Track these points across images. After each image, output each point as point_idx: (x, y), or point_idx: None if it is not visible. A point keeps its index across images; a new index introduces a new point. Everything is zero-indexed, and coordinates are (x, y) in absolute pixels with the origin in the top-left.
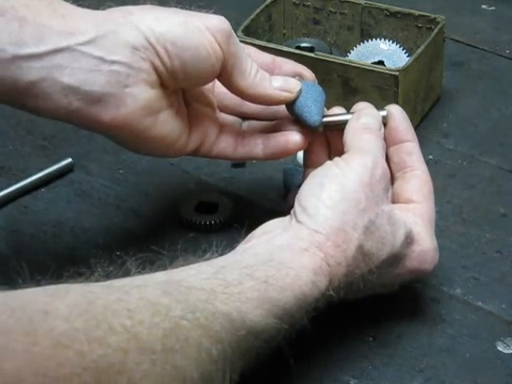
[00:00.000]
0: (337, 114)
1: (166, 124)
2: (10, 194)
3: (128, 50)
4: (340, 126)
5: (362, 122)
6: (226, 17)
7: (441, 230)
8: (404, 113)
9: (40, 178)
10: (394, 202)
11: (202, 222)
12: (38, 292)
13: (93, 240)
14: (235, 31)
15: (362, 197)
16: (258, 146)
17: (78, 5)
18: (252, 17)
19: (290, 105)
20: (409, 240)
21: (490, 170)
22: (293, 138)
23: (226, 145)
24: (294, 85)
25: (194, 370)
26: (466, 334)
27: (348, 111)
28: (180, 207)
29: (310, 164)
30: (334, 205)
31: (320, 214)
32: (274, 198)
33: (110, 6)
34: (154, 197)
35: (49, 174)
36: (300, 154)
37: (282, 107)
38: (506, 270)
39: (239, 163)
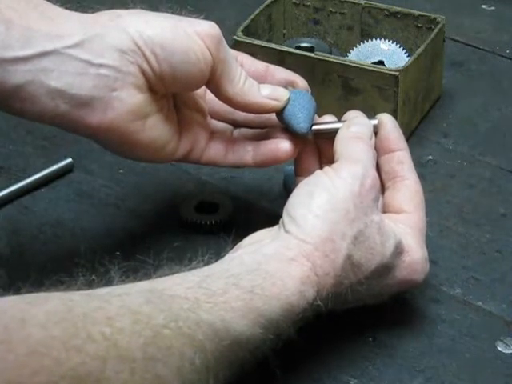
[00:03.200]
0: (328, 122)
1: (155, 129)
2: (10, 193)
3: (116, 54)
4: (331, 135)
5: (353, 130)
6: (225, 17)
7: (441, 230)
8: (395, 122)
9: (40, 178)
10: (384, 211)
11: (202, 222)
12: (16, 300)
13: (92, 240)
14: (235, 31)
15: (351, 207)
16: (248, 154)
17: (66, 8)
18: (252, 17)
19: (279, 113)
20: (399, 250)
21: (490, 170)
22: (282, 145)
23: (216, 151)
24: (283, 93)
25: (176, 380)
26: (465, 334)
27: (346, 112)
28: (180, 207)
29: (300, 172)
30: (322, 214)
31: (308, 223)
32: (274, 198)
33: (98, 10)
34: (154, 197)
35: (49, 173)
36: None
37: (273, 115)
38: (506, 270)
39: None
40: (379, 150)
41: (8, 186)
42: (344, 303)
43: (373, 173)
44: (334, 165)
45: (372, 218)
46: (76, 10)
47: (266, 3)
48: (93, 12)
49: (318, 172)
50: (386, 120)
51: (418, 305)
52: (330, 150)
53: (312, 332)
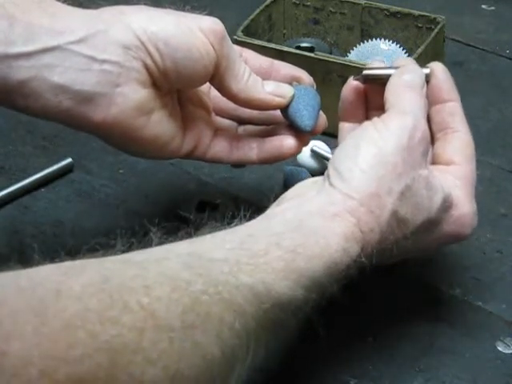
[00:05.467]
0: (378, 67)
1: (159, 125)
2: (10, 193)
3: (119, 49)
4: (381, 80)
5: (405, 78)
6: (225, 17)
7: None
8: (447, 72)
9: (40, 178)
10: (433, 162)
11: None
12: (52, 270)
13: (93, 240)
14: (235, 31)
15: (398, 161)
16: (252, 150)
17: (69, 4)
18: (252, 17)
19: (284, 110)
20: (447, 204)
21: (491, 170)
22: (287, 142)
23: (220, 148)
24: (287, 90)
25: (216, 346)
26: (465, 334)
27: (397, 60)
28: (180, 207)
29: (345, 118)
30: (369, 169)
31: (354, 178)
32: (274, 198)
33: (101, 6)
34: (154, 197)
35: (49, 174)
36: (300, 155)
37: (278, 111)
38: (506, 270)
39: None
40: (430, 100)
41: (8, 186)
42: (389, 258)
43: (423, 125)
44: (383, 116)
45: (420, 173)
46: (79, 6)
47: (266, 3)
48: (96, 8)
49: (366, 123)
50: (439, 69)
51: (418, 305)
52: (378, 96)
53: (312, 332)
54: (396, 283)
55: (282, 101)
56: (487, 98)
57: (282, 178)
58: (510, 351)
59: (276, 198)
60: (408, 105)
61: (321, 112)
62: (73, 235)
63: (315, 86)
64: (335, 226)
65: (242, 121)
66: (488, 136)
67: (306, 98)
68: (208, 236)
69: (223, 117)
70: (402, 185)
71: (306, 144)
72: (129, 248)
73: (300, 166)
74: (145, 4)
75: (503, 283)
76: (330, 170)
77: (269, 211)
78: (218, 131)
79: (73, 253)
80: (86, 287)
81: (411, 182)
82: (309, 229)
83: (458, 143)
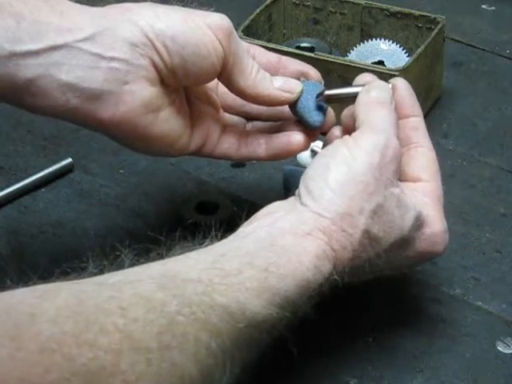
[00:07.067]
0: (341, 87)
1: (167, 122)
2: (10, 193)
3: (127, 47)
4: (343, 100)
5: (374, 95)
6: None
7: None
8: (410, 87)
9: (40, 178)
10: (399, 179)
11: (202, 222)
12: (26, 293)
13: (93, 240)
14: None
15: (370, 180)
16: (261, 147)
17: (77, 1)
18: (252, 17)
19: (292, 105)
20: (418, 223)
21: (490, 170)
22: (295, 138)
23: (228, 145)
24: (295, 85)
25: (193, 366)
26: (465, 334)
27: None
28: (180, 207)
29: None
30: (340, 188)
31: (325, 197)
32: (273, 198)
33: (108, 3)
34: (154, 197)
35: (49, 174)
36: (300, 155)
37: (286, 107)
38: (506, 270)
39: (239, 163)
40: None
41: (8, 186)
42: (361, 276)
43: (395, 143)
44: (354, 133)
45: (391, 191)
46: (86, 3)
47: (266, 3)
48: (103, 6)
49: (337, 142)
50: (400, 84)
51: (418, 305)
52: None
53: (312, 332)
54: (396, 283)
55: (291, 96)
56: (487, 98)
57: (281, 178)
58: (510, 351)
59: (276, 198)
60: (378, 122)
61: (329, 108)
62: (73, 235)
63: (323, 82)
64: (307, 245)
65: (250, 117)
66: (487, 136)
67: (314, 93)
68: (180, 256)
69: (231, 113)
70: (374, 204)
71: (314, 140)
72: (100, 271)
73: (300, 165)
74: (151, 1)
75: (503, 283)
76: (301, 189)
77: (240, 230)
78: (226, 128)
79: (46, 275)
80: (61, 310)
81: (383, 200)
82: (281, 247)
83: (424, 159)
